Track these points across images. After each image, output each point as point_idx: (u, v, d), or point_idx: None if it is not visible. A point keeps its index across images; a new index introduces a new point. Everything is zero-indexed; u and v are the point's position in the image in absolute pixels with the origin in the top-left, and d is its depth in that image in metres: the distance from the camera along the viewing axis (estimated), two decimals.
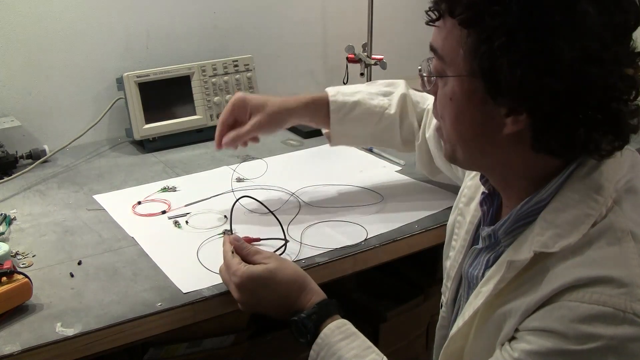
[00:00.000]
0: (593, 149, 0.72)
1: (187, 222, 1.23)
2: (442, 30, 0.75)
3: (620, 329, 0.66)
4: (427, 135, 1.24)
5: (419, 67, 0.82)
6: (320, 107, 1.24)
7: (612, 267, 0.69)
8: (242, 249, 1.01)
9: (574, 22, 0.66)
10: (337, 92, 1.25)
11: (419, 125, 1.27)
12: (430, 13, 0.77)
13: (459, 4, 0.71)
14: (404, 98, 1.27)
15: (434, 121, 1.19)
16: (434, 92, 0.81)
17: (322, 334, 0.91)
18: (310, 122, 1.27)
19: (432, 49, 0.78)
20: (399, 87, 1.29)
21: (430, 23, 0.77)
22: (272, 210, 1.23)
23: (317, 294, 0.96)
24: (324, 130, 1.30)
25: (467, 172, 1.00)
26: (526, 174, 0.77)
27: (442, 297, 0.98)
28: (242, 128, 1.20)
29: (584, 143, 0.71)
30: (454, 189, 1.17)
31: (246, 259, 0.99)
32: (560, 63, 0.67)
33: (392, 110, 1.25)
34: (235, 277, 0.96)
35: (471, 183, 0.96)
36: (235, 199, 1.20)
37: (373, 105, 1.25)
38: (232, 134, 1.20)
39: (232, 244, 1.01)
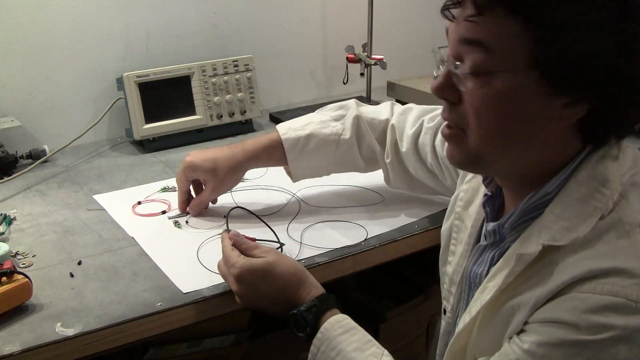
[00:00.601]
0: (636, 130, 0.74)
1: (187, 221, 1.23)
2: (486, 22, 0.69)
3: (632, 320, 0.66)
4: (403, 150, 1.21)
5: (444, 65, 0.75)
6: (274, 149, 1.22)
7: (623, 259, 0.69)
8: (241, 243, 1.01)
9: (634, 5, 0.67)
10: (287, 129, 1.22)
11: (380, 143, 1.24)
12: (452, 9, 0.72)
13: None
14: (357, 120, 1.23)
15: (421, 130, 1.17)
16: (454, 96, 0.75)
17: (322, 329, 0.91)
18: (267, 165, 1.26)
19: (475, 42, 0.71)
20: (350, 108, 1.25)
21: (469, 19, 0.70)
22: (272, 212, 1.23)
23: (316, 288, 0.96)
24: (285, 169, 1.27)
25: (461, 177, 0.99)
26: (543, 169, 0.76)
27: (445, 303, 0.97)
28: (202, 195, 1.24)
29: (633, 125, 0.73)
30: (454, 190, 1.16)
31: (245, 253, 0.99)
32: (632, 45, 0.68)
33: (347, 134, 1.22)
34: (234, 269, 0.96)
35: (467, 186, 0.95)
36: (235, 199, 1.19)
37: (326, 134, 1.22)
38: (195, 203, 1.24)
39: (232, 239, 1.02)
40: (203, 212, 1.25)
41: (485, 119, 0.73)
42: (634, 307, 0.66)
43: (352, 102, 1.27)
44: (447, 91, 0.75)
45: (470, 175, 0.96)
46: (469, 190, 0.94)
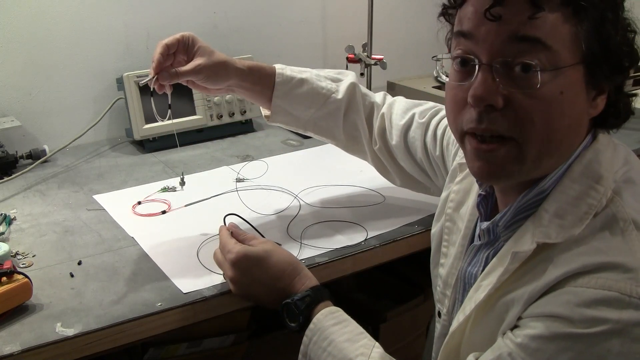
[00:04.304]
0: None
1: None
2: (542, 20, 0.69)
3: (626, 313, 0.66)
4: (392, 143, 1.19)
5: (473, 68, 0.72)
6: (266, 76, 1.15)
7: (617, 255, 0.69)
8: (238, 234, 1.02)
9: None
10: (285, 67, 1.18)
11: (367, 121, 1.21)
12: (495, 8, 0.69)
13: None
14: (352, 87, 1.21)
15: (412, 123, 1.16)
16: (499, 100, 0.71)
17: (314, 319, 0.91)
18: (251, 90, 1.16)
19: (535, 40, 0.69)
20: (349, 76, 1.23)
21: (533, 17, 0.68)
22: (272, 212, 1.23)
23: (311, 280, 0.97)
24: (263, 111, 1.22)
25: (450, 177, 0.99)
26: None
27: (439, 305, 0.96)
28: (182, 67, 1.09)
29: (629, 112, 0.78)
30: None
31: (243, 243, 1.00)
32: (631, 35, 0.74)
33: (339, 95, 1.19)
34: (231, 254, 0.97)
35: (458, 187, 0.95)
36: (236, 200, 1.19)
37: (320, 86, 1.18)
38: (171, 71, 1.08)
39: (230, 229, 1.03)
40: (166, 88, 1.11)
41: (547, 115, 0.71)
42: (628, 301, 0.67)
43: (352, 72, 1.25)
44: (493, 97, 0.71)
45: (460, 175, 0.95)
46: (460, 192, 0.94)
